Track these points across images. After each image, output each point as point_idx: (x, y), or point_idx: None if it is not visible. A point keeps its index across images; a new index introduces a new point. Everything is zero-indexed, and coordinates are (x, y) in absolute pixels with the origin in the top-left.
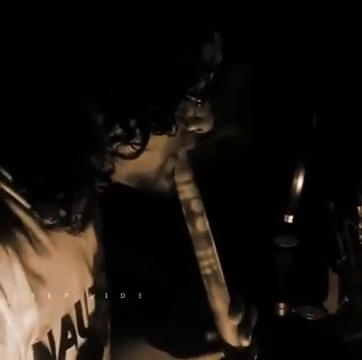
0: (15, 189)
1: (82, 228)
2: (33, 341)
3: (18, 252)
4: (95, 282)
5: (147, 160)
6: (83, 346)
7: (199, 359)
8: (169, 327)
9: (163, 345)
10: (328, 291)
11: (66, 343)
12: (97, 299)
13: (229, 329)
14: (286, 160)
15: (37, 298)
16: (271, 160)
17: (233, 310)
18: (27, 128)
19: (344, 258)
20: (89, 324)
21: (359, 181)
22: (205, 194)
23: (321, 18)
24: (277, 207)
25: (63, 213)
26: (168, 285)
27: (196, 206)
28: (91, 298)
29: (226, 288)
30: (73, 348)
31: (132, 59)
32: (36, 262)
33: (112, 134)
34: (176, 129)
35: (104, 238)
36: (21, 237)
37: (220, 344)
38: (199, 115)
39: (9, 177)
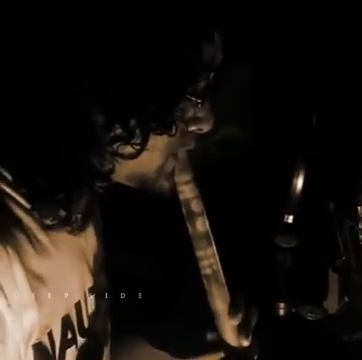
0: (15, 189)
1: (82, 228)
2: (33, 341)
3: (18, 252)
4: (95, 282)
5: (147, 160)
6: (83, 346)
7: (199, 359)
8: (169, 327)
9: (163, 345)
10: (328, 291)
11: (66, 343)
12: (97, 299)
13: (229, 329)
14: (286, 160)
15: (37, 298)
16: (271, 160)
17: (233, 310)
18: (27, 128)
19: (344, 258)
20: (89, 324)
21: (359, 181)
22: (205, 194)
23: (321, 18)
24: (277, 207)
25: (63, 213)
26: (168, 285)
27: (196, 206)
28: (91, 298)
29: (226, 288)
30: (73, 348)
31: (132, 59)
32: (36, 262)
33: (112, 134)
34: (176, 129)
35: (104, 238)
36: (21, 237)
37: (220, 344)
38: (199, 115)
39: (9, 177)
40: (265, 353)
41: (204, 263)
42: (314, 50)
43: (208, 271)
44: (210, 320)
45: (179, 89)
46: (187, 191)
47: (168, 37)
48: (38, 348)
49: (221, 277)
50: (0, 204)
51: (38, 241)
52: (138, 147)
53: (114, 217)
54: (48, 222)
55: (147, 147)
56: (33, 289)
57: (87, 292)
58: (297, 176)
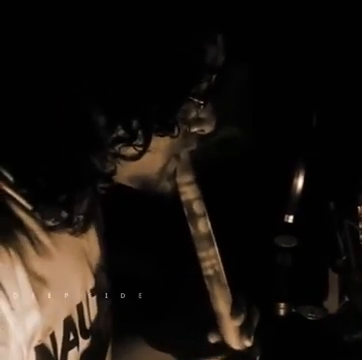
0: (16, 190)
1: (84, 229)
2: (35, 343)
3: (20, 254)
4: (97, 283)
5: (149, 161)
6: (85, 347)
7: None
8: (170, 328)
9: (164, 346)
10: (328, 291)
11: (68, 345)
12: (99, 300)
13: (231, 330)
14: (286, 160)
15: (39, 300)
16: (271, 160)
17: (235, 310)
18: (28, 129)
19: (344, 258)
20: (91, 325)
21: (359, 181)
22: (205, 194)
23: (321, 18)
24: (277, 207)
25: (65, 214)
26: (169, 286)
27: (198, 207)
28: (93, 299)
29: (228, 289)
30: (75, 350)
31: (134, 60)
32: (38, 264)
33: (114, 135)
34: (178, 130)
35: (106, 239)
36: (23, 239)
37: (222, 345)
38: (201, 116)
39: (10, 178)
40: (265, 353)
41: (206, 264)
42: (314, 50)
43: (210, 272)
44: (211, 321)
45: (181, 90)
46: (189, 192)
47: (170, 38)
48: (40, 350)
49: (223, 278)
50: (1, 205)
51: (40, 243)
52: (140, 148)
53: (116, 218)
54: (50, 223)
55: (149, 148)
56: (35, 291)
57: (89, 293)
58: (297, 176)
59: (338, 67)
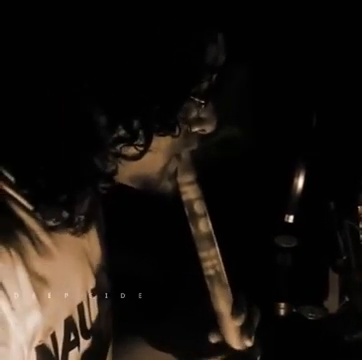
0: (17, 191)
1: (85, 229)
2: (36, 343)
3: (21, 254)
4: (97, 283)
5: (150, 161)
6: (86, 348)
7: None
8: (171, 328)
9: (165, 346)
10: (329, 291)
11: (69, 345)
12: (99, 300)
13: (232, 330)
14: (286, 160)
15: (40, 300)
16: (271, 160)
17: (236, 310)
18: (29, 129)
19: (344, 258)
20: (92, 325)
21: (359, 181)
22: (205, 194)
23: (321, 18)
24: (277, 207)
25: (66, 214)
26: (171, 286)
27: (199, 207)
28: (94, 299)
29: (229, 289)
30: (76, 350)
31: (134, 60)
32: (39, 264)
33: (115, 135)
34: (179, 130)
35: (107, 239)
36: (24, 239)
37: (223, 345)
38: (202, 116)
39: (11, 178)
40: (266, 353)
41: (207, 264)
42: (314, 50)
43: (211, 272)
44: (212, 321)
45: (182, 90)
46: (190, 192)
47: (170, 38)
48: (41, 350)
49: (224, 278)
50: (2, 206)
51: (41, 243)
52: (141, 148)
53: (117, 218)
54: (51, 223)
55: (150, 148)
56: (36, 291)
57: (90, 293)
58: (297, 176)
59: (338, 67)
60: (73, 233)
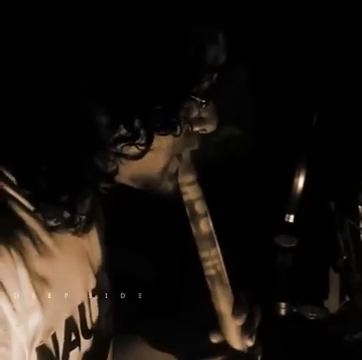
0: (18, 191)
1: (86, 229)
2: (37, 344)
3: (22, 255)
4: (98, 283)
5: (151, 161)
6: (86, 348)
7: None
8: (172, 328)
9: (166, 346)
10: (329, 290)
11: (70, 345)
12: (100, 300)
13: (233, 330)
14: (287, 160)
15: (41, 300)
16: (272, 160)
17: (237, 310)
18: (30, 129)
19: (345, 257)
20: (92, 326)
21: (360, 180)
22: (206, 194)
23: (321, 18)
24: (278, 207)
25: (67, 214)
26: (172, 286)
27: (200, 207)
28: (94, 299)
29: (230, 289)
30: (76, 350)
31: (135, 59)
32: (40, 264)
33: (116, 135)
34: (181, 129)
35: (107, 239)
36: (25, 239)
37: (224, 345)
38: (203, 115)
39: (12, 179)
40: (266, 352)
41: (208, 264)
42: (315, 51)
43: (212, 272)
44: (213, 321)
45: (183, 89)
46: (191, 192)
47: (171, 37)
48: (42, 351)
49: (225, 278)
50: (3, 206)
51: (42, 243)
52: (142, 148)
53: (118, 218)
54: (52, 224)
55: (151, 148)
56: (37, 291)
57: (90, 293)
58: (298, 176)
59: (338, 68)
60: (74, 233)
